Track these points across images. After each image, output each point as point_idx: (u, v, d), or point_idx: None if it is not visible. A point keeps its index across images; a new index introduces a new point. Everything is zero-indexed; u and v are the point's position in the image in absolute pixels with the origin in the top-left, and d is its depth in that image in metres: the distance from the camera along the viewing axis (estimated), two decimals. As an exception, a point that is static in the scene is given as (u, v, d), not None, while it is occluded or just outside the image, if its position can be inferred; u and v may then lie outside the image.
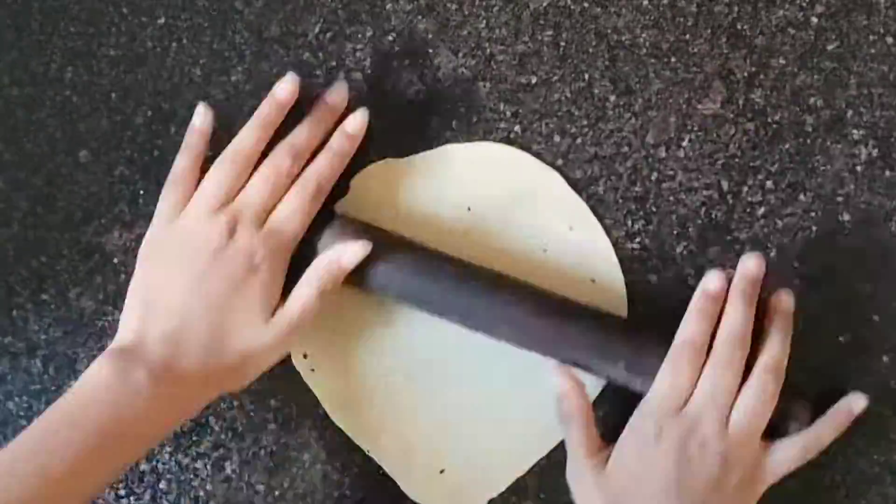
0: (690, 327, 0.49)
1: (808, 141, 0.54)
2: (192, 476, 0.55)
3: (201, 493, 0.55)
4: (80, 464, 0.44)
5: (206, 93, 0.57)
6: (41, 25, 0.58)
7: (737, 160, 0.55)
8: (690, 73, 0.55)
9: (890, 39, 0.55)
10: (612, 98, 0.55)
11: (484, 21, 0.56)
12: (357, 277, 0.50)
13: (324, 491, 0.54)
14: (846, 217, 0.54)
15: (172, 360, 0.47)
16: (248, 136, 0.51)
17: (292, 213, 0.49)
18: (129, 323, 0.48)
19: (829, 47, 0.55)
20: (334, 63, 0.57)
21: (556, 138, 0.55)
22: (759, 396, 0.48)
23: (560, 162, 0.55)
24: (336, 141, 0.52)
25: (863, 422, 0.52)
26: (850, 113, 0.54)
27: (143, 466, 0.55)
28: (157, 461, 0.55)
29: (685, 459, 0.47)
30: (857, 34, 0.55)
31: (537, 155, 0.55)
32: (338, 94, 0.53)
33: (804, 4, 0.55)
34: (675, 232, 0.54)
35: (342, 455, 0.54)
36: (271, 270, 0.49)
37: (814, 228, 0.54)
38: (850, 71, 0.55)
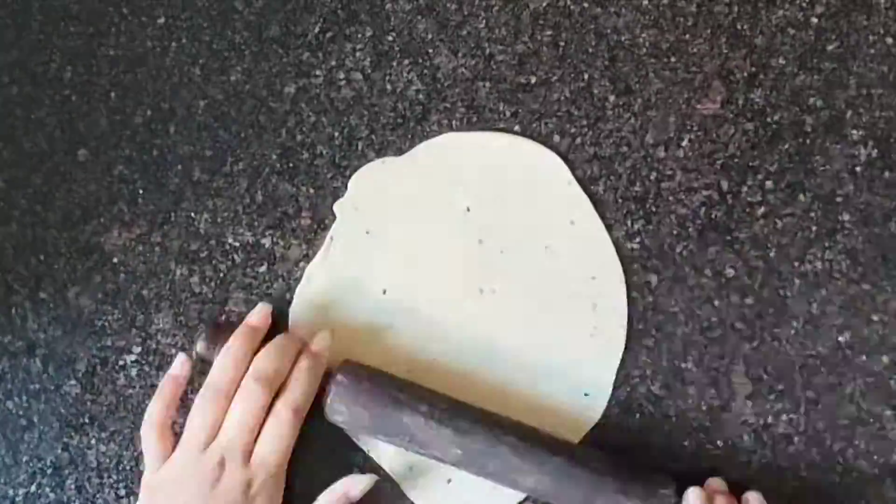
0: None
1: (808, 141, 0.54)
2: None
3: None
4: None
5: (205, 93, 0.57)
6: (41, 25, 0.58)
7: (736, 160, 0.55)
8: (690, 73, 0.55)
9: (890, 39, 0.55)
10: (612, 98, 0.55)
11: (484, 21, 0.56)
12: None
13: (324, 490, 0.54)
14: (846, 217, 0.54)
15: None
16: (224, 370, 0.51)
17: (273, 445, 0.50)
18: None
19: (829, 47, 0.55)
20: (334, 63, 0.57)
21: (556, 138, 0.55)
22: None
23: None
24: (304, 365, 0.52)
25: (863, 422, 0.52)
26: (849, 113, 0.54)
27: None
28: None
29: None
30: (857, 34, 0.55)
31: (537, 155, 0.55)
32: (323, 343, 0.53)
33: (804, 4, 0.55)
34: (675, 232, 0.54)
35: (342, 455, 0.54)
36: (265, 499, 0.50)
37: (814, 228, 0.54)
38: (850, 71, 0.55)
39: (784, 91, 0.55)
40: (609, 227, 0.54)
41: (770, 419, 0.53)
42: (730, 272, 0.54)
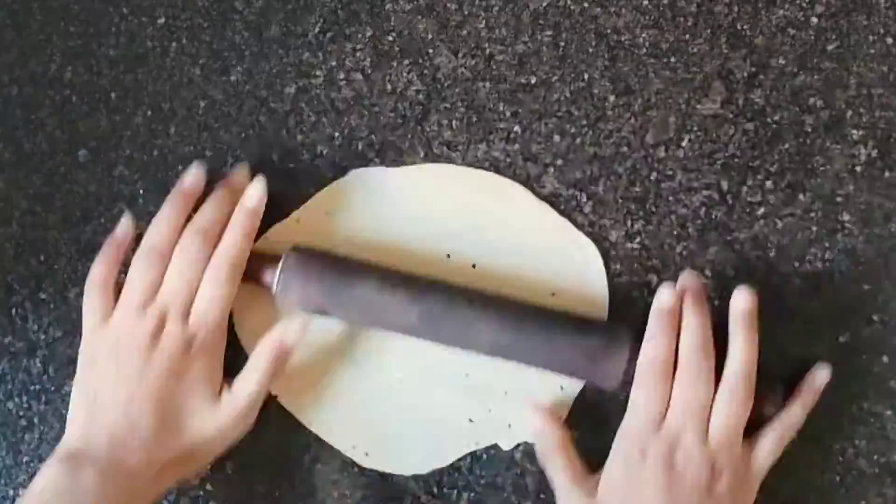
0: (653, 345, 0.49)
1: (808, 141, 0.54)
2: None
3: (201, 493, 0.55)
4: None
5: (205, 93, 0.57)
6: (41, 25, 0.58)
7: (736, 160, 0.55)
8: (690, 73, 0.55)
9: (890, 39, 0.55)
10: (612, 98, 0.55)
11: (484, 21, 0.56)
12: (316, 311, 0.51)
13: (324, 491, 0.54)
14: (846, 217, 0.54)
15: (120, 458, 0.48)
16: (160, 231, 0.51)
17: (211, 300, 0.50)
18: (75, 426, 0.49)
19: (829, 47, 0.55)
20: (334, 63, 0.57)
21: (556, 138, 0.55)
22: (733, 401, 0.48)
23: (560, 162, 0.55)
24: (237, 218, 0.52)
25: (863, 422, 0.52)
26: (849, 113, 0.54)
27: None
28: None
29: (673, 474, 0.47)
30: (857, 34, 0.55)
31: (537, 155, 0.55)
32: (238, 175, 0.54)
33: (804, 4, 0.55)
34: (675, 232, 0.54)
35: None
36: (207, 357, 0.50)
37: (814, 228, 0.54)
38: (850, 71, 0.55)
39: (784, 91, 0.55)
40: (609, 228, 0.54)
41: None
42: (730, 272, 0.54)
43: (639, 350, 0.49)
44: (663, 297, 0.50)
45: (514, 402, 0.53)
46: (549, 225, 0.54)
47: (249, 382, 0.50)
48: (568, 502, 0.50)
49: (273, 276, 0.51)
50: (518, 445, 0.53)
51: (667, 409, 0.48)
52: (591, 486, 0.49)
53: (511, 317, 0.50)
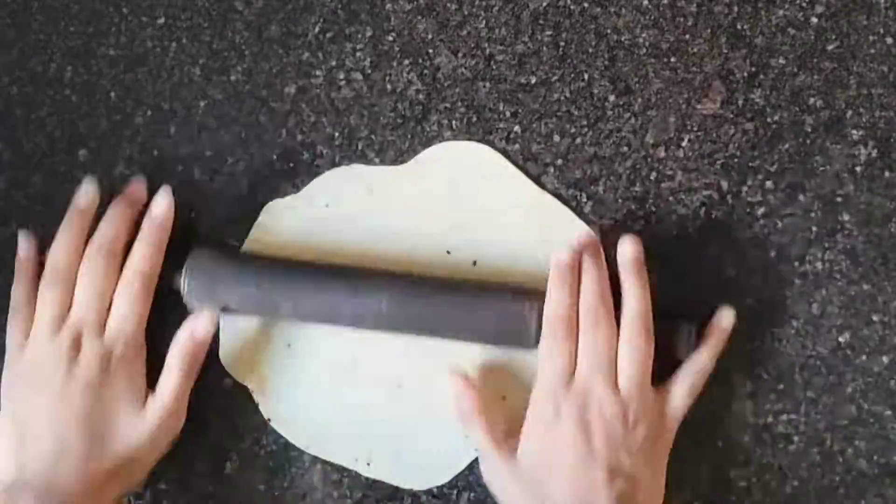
0: (554, 301, 0.50)
1: (808, 141, 0.54)
2: (192, 476, 0.55)
3: (201, 494, 0.55)
4: None
5: (205, 93, 0.57)
6: (41, 25, 0.58)
7: (736, 160, 0.55)
8: (690, 73, 0.55)
9: (890, 39, 0.55)
10: (612, 98, 0.55)
11: (484, 21, 0.56)
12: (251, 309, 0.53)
13: (323, 491, 0.54)
14: (846, 217, 0.54)
15: (56, 481, 0.48)
16: (61, 252, 0.51)
17: (126, 314, 0.51)
18: (6, 459, 0.49)
19: (829, 47, 0.55)
20: (334, 63, 0.57)
21: (556, 138, 0.55)
22: (635, 348, 0.48)
23: (560, 162, 0.55)
24: (146, 230, 0.52)
25: (863, 422, 0.52)
26: (849, 113, 0.54)
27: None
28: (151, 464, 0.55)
29: (588, 428, 0.47)
30: (857, 34, 0.55)
31: (537, 155, 0.55)
32: (135, 187, 0.54)
33: (804, 4, 0.55)
34: (674, 232, 0.54)
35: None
36: (127, 370, 0.50)
37: (814, 228, 0.54)
38: (850, 71, 0.55)
39: (784, 91, 0.55)
40: (609, 228, 0.54)
41: (770, 419, 0.53)
42: (730, 272, 0.54)
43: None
44: (560, 254, 0.50)
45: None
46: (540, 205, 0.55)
47: (169, 383, 0.51)
48: (490, 465, 0.50)
49: (180, 279, 0.52)
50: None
51: (575, 365, 0.49)
52: (510, 447, 0.49)
53: (421, 290, 0.51)
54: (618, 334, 0.49)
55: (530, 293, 0.51)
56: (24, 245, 0.53)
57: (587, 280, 0.50)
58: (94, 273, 0.51)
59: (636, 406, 0.48)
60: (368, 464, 0.54)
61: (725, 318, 0.51)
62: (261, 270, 0.52)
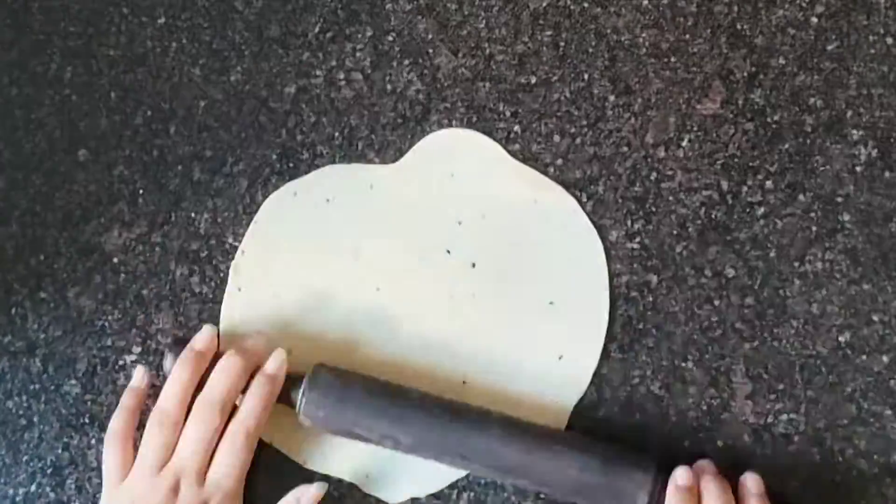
0: None
1: (808, 141, 0.54)
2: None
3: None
4: None
5: (205, 93, 0.57)
6: (41, 25, 0.58)
7: (737, 160, 0.55)
8: (690, 73, 0.55)
9: (890, 39, 0.55)
10: (612, 98, 0.55)
11: (484, 21, 0.56)
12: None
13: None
14: (846, 217, 0.54)
15: None
16: (173, 394, 0.51)
17: (228, 467, 0.50)
18: None
19: (829, 47, 0.55)
20: (334, 63, 0.57)
21: (556, 138, 0.55)
22: None
23: (560, 162, 0.55)
24: (257, 386, 0.52)
25: (863, 422, 0.52)
26: (849, 113, 0.54)
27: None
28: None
29: None
30: (857, 34, 0.55)
31: (537, 155, 0.55)
32: (253, 341, 0.54)
33: (804, 4, 0.55)
34: (674, 232, 0.54)
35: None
36: None
37: (814, 228, 0.54)
38: (850, 71, 0.55)
39: (784, 91, 0.55)
40: (609, 228, 0.54)
41: (770, 419, 0.53)
42: (730, 272, 0.54)
43: (661, 481, 0.49)
44: (680, 477, 0.49)
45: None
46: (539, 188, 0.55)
47: None
48: None
49: (297, 395, 0.51)
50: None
51: None
52: None
53: (537, 444, 0.50)
54: None
55: (644, 466, 0.49)
56: (138, 378, 0.53)
57: (711, 492, 0.48)
58: (201, 424, 0.50)
59: None
60: (367, 476, 0.54)
61: (753, 481, 0.50)
62: (382, 400, 0.51)
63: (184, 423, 0.51)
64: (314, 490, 0.52)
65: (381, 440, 0.51)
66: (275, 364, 0.52)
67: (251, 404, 0.51)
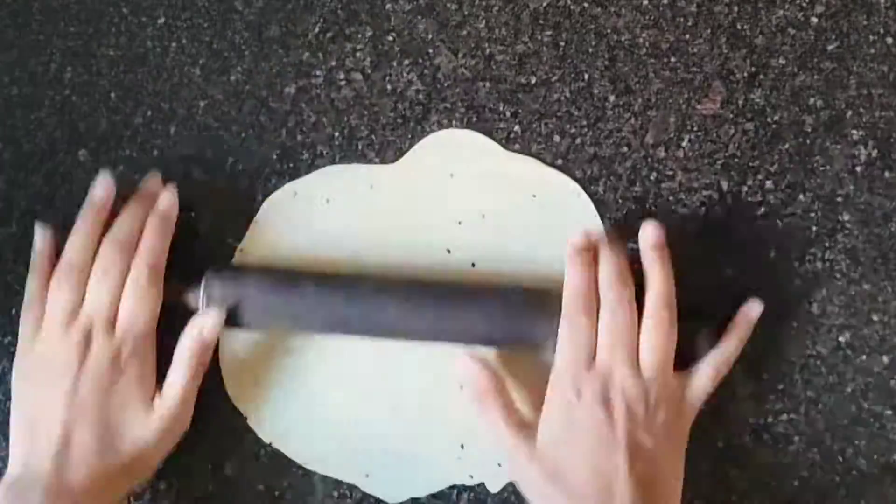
0: (573, 280, 0.49)
1: (808, 141, 0.54)
2: (192, 476, 0.55)
3: (201, 494, 0.55)
4: None
5: (205, 93, 0.57)
6: (41, 25, 0.58)
7: (736, 160, 0.55)
8: (690, 73, 0.55)
9: (890, 39, 0.55)
10: (612, 98, 0.55)
11: (484, 21, 0.56)
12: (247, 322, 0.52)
13: (323, 491, 0.54)
14: (846, 217, 0.54)
15: (65, 476, 0.48)
16: (76, 246, 0.52)
17: (135, 306, 0.51)
18: (16, 453, 0.49)
19: (829, 47, 0.55)
20: (334, 63, 0.57)
21: (556, 138, 0.55)
22: (658, 329, 0.48)
23: (560, 162, 0.55)
24: (151, 223, 0.52)
25: (863, 422, 0.52)
26: (849, 113, 0.54)
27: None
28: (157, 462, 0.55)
29: (609, 411, 0.47)
30: (857, 34, 0.55)
31: (537, 155, 0.55)
32: (151, 183, 0.55)
33: (804, 4, 0.55)
34: (675, 232, 0.54)
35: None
36: (138, 365, 0.50)
37: (814, 228, 0.54)
38: (850, 71, 0.55)
39: (784, 91, 0.55)
40: (615, 225, 0.54)
41: (770, 419, 0.53)
42: (730, 272, 0.54)
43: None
44: (575, 238, 0.50)
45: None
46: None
47: (176, 383, 0.51)
48: (508, 450, 0.49)
49: (196, 298, 0.52)
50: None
51: (595, 347, 0.48)
52: (530, 432, 0.49)
53: (428, 294, 0.51)
54: (640, 317, 0.49)
55: (541, 292, 0.51)
56: (41, 238, 0.53)
57: (605, 262, 0.49)
58: (107, 268, 0.51)
59: (658, 388, 0.48)
60: (367, 475, 0.54)
61: (754, 309, 0.51)
62: (276, 286, 0.52)
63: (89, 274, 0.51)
64: (212, 315, 0.51)
65: (279, 323, 0.52)
66: (166, 197, 0.53)
67: (148, 240, 0.52)
